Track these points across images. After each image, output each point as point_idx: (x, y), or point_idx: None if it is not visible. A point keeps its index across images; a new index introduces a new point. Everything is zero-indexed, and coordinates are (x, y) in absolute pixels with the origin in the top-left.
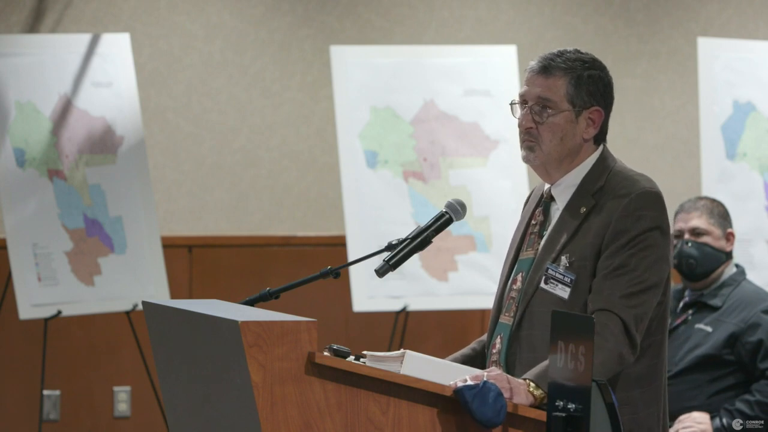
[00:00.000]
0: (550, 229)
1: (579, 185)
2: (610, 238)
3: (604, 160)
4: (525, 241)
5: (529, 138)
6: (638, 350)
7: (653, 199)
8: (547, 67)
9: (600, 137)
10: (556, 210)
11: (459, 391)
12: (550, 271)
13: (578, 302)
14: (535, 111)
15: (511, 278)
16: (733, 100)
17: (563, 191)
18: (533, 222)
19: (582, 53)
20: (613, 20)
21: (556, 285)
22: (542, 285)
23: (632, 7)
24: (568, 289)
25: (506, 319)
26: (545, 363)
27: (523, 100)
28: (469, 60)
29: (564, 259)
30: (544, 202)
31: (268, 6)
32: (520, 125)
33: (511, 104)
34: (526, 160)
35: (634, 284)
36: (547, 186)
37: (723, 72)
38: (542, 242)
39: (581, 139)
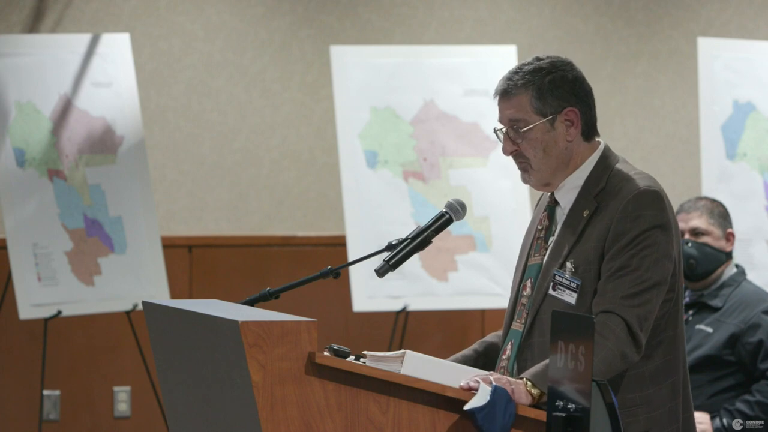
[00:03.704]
0: (555, 234)
1: (582, 187)
2: (611, 240)
3: (605, 159)
4: (532, 246)
5: (519, 160)
6: (643, 349)
7: (651, 198)
8: (507, 90)
9: (588, 132)
10: (561, 214)
11: (471, 414)
12: (557, 277)
13: (585, 306)
14: (511, 134)
15: (521, 284)
16: (733, 100)
17: (566, 194)
18: (539, 227)
19: (541, 60)
20: (613, 20)
21: (564, 291)
22: (550, 291)
23: (632, 7)
24: (575, 295)
25: (517, 326)
26: (543, 363)
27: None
28: (469, 60)
29: (569, 265)
30: (548, 206)
31: (268, 6)
32: (504, 153)
33: (495, 132)
34: (524, 182)
35: (636, 284)
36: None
37: (723, 72)
38: (548, 248)
39: (565, 142)
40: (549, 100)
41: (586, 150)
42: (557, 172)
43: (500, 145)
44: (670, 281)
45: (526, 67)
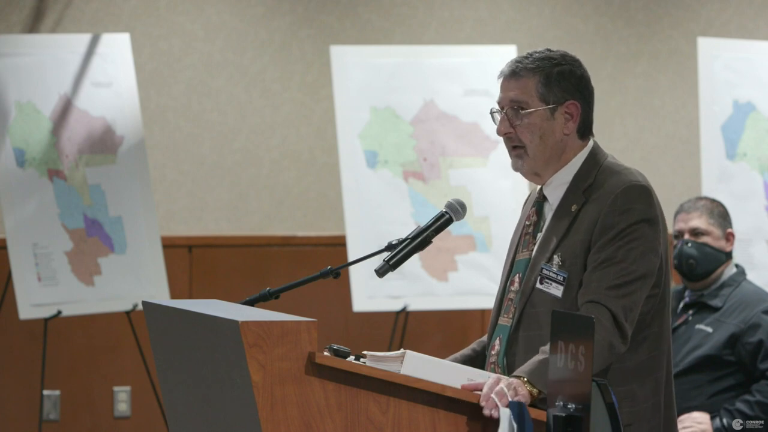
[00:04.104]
0: (543, 229)
1: (570, 183)
2: (598, 233)
3: (594, 156)
4: (520, 242)
5: (513, 144)
6: (629, 340)
7: (639, 192)
8: (516, 71)
9: (584, 131)
10: (549, 210)
11: None
12: (544, 271)
13: (571, 299)
14: (510, 115)
15: (509, 280)
16: (733, 100)
17: (554, 190)
18: (527, 223)
19: (551, 51)
20: (613, 20)
21: (551, 284)
22: (538, 285)
23: (632, 7)
24: (562, 288)
25: (505, 321)
26: (536, 359)
27: (501, 107)
28: (469, 60)
29: (556, 258)
30: (537, 202)
31: (268, 6)
32: (498, 132)
33: (491, 113)
34: (515, 168)
35: (621, 275)
36: (539, 186)
37: (723, 72)
38: (537, 243)
39: (562, 134)
40: (554, 89)
41: (578, 147)
42: (549, 162)
43: (500, 145)
44: (656, 276)
45: (537, 54)
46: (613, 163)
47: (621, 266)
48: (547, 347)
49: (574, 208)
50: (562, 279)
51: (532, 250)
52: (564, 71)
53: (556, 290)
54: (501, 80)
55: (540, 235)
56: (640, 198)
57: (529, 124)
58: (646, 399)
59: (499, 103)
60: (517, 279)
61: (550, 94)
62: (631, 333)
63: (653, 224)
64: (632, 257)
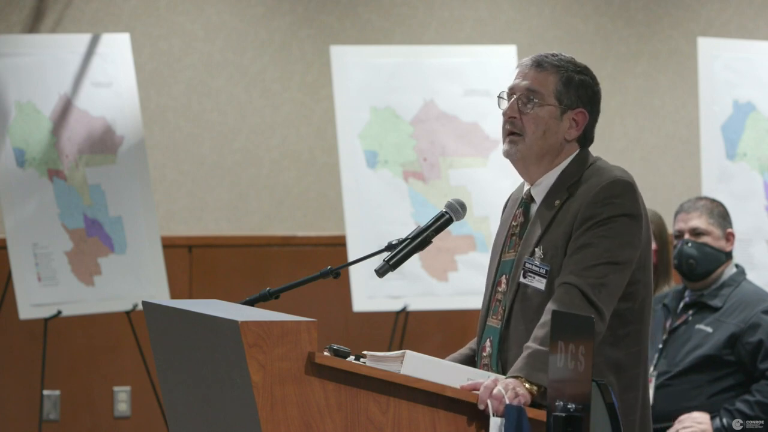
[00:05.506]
0: (528, 226)
1: (556, 180)
2: (579, 224)
3: (583, 156)
4: (506, 243)
5: (513, 129)
6: (606, 318)
7: (622, 187)
8: (540, 62)
9: (584, 142)
10: (536, 210)
11: None
12: (527, 265)
13: (554, 291)
14: (521, 101)
15: (495, 281)
16: (733, 100)
17: (542, 191)
18: (514, 224)
19: (576, 60)
20: (613, 20)
21: (534, 277)
22: (521, 279)
23: (632, 7)
24: (545, 280)
25: (494, 322)
26: (525, 354)
27: (512, 93)
28: (469, 60)
29: (538, 251)
30: (524, 203)
31: (268, 6)
32: (504, 114)
33: (499, 97)
34: (507, 154)
35: (593, 258)
36: (527, 187)
37: (723, 72)
38: (522, 241)
39: (563, 138)
40: (571, 92)
41: (571, 153)
42: (543, 159)
43: (500, 145)
44: (636, 275)
45: (563, 56)
46: (601, 164)
47: (594, 250)
48: (530, 342)
49: (557, 202)
50: (544, 272)
51: (518, 250)
52: (585, 81)
53: (539, 283)
54: (520, 68)
55: (525, 233)
56: (623, 193)
57: (536, 116)
58: (625, 392)
59: (511, 88)
60: (503, 280)
61: (565, 96)
62: (609, 315)
63: (634, 219)
64: (606, 245)
